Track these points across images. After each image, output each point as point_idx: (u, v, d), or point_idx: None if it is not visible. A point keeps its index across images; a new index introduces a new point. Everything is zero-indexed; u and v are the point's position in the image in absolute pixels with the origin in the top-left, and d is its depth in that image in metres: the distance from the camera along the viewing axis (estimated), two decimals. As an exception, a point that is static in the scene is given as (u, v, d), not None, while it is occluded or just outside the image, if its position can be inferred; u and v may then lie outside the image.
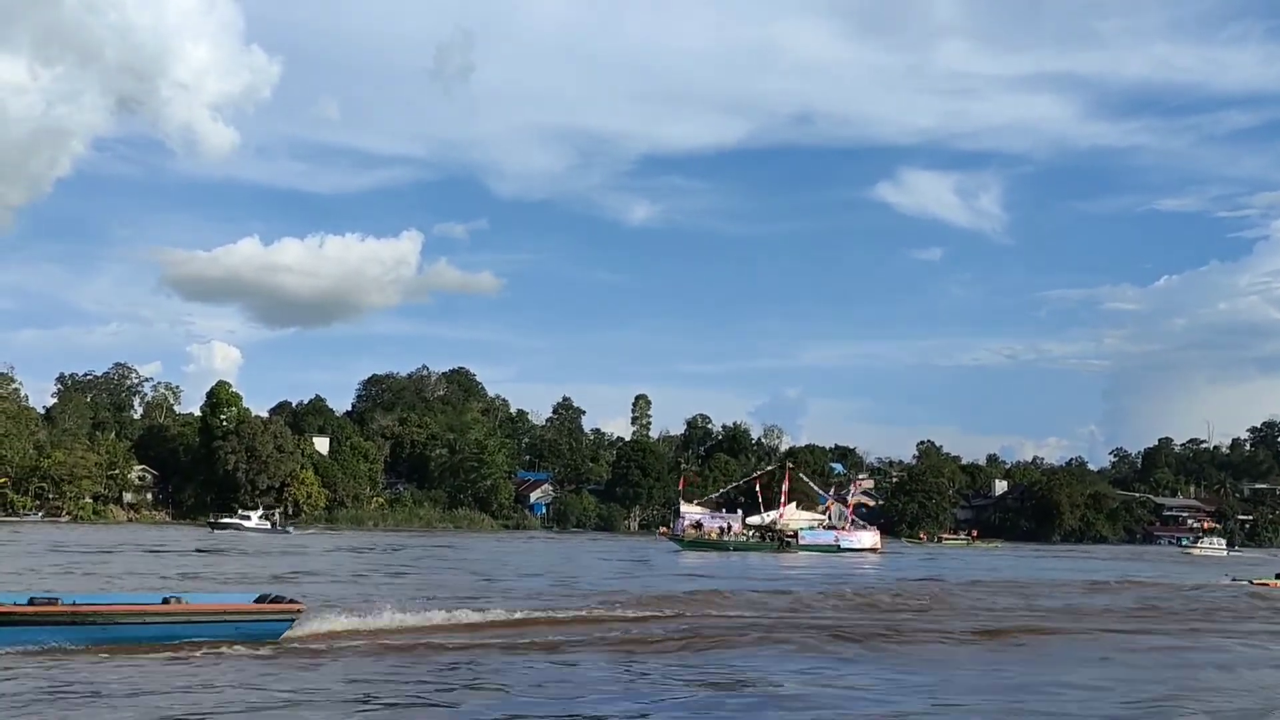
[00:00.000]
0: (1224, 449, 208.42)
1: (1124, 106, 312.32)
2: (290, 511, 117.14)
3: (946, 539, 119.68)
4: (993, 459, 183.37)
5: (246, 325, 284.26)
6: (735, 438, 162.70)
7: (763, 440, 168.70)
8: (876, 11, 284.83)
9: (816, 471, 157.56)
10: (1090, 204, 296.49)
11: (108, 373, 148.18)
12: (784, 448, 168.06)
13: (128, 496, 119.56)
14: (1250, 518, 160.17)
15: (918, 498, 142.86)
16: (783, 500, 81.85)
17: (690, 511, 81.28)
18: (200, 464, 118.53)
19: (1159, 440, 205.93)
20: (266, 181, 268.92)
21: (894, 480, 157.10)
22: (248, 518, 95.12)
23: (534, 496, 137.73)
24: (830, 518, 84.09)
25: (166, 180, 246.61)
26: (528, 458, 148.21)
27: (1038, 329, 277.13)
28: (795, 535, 76.51)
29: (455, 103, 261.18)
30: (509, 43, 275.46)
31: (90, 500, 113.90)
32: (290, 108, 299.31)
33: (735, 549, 71.84)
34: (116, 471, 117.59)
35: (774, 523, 78.70)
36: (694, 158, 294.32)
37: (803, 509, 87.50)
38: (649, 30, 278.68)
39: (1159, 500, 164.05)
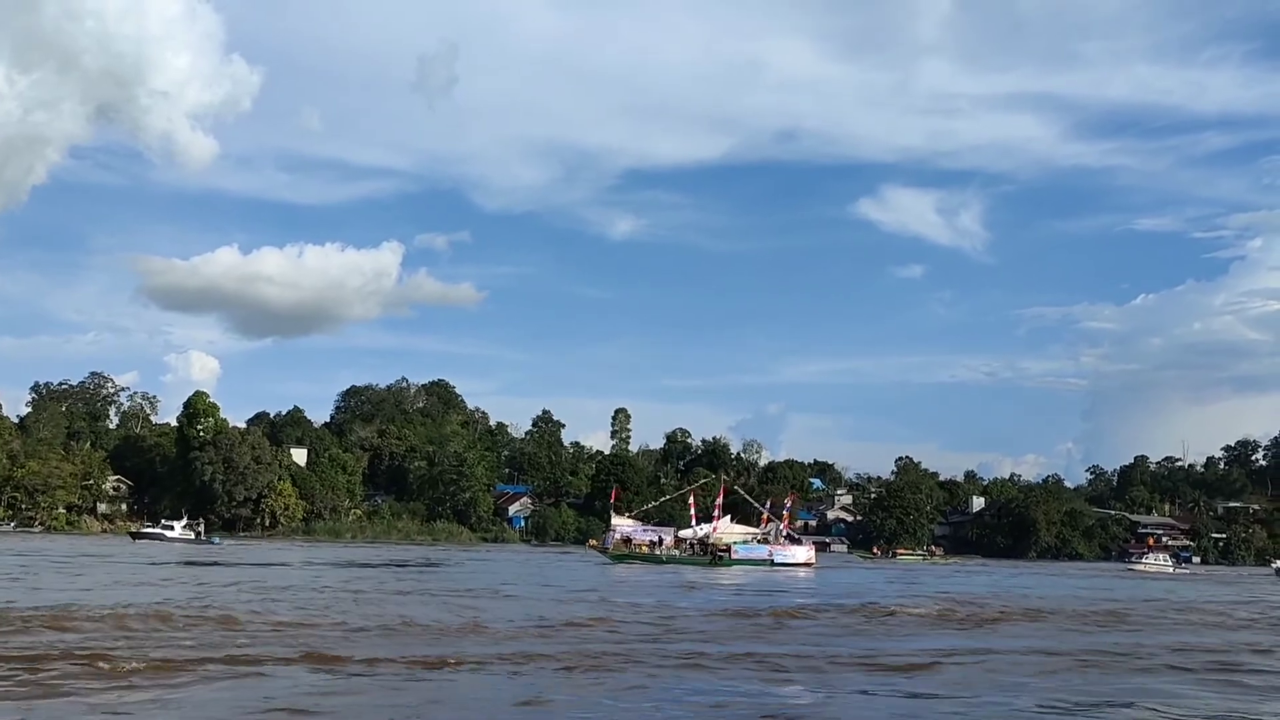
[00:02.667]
0: (1199, 468, 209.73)
1: (1104, 127, 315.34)
2: (267, 523, 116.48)
3: (901, 554, 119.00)
4: (971, 476, 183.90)
5: (225, 335, 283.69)
6: (715, 452, 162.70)
7: (742, 455, 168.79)
8: (861, 31, 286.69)
9: (795, 486, 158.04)
10: (1070, 223, 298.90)
11: (84, 382, 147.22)
12: (763, 463, 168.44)
13: (102, 507, 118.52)
14: (1224, 536, 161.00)
15: (896, 514, 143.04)
16: (716, 514, 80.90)
17: (621, 524, 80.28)
18: (176, 475, 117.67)
19: (1135, 458, 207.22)
20: (247, 191, 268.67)
21: (872, 496, 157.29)
22: (170, 528, 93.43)
23: (513, 509, 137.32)
24: (773, 534, 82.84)
25: (145, 189, 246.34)
26: (507, 470, 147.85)
27: (1016, 347, 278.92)
28: (728, 549, 75.54)
29: (439, 115, 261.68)
30: (494, 56, 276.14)
31: (64, 511, 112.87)
32: (271, 118, 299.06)
33: (667, 562, 71.08)
34: (91, 482, 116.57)
35: (707, 536, 77.64)
36: (678, 173, 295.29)
37: (736, 522, 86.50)
38: (635, 45, 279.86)
39: (1134, 518, 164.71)
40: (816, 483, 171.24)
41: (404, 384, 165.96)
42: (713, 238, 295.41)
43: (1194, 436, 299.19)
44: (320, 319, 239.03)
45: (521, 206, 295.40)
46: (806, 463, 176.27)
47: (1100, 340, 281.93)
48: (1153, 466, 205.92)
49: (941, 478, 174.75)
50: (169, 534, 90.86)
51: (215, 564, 52.41)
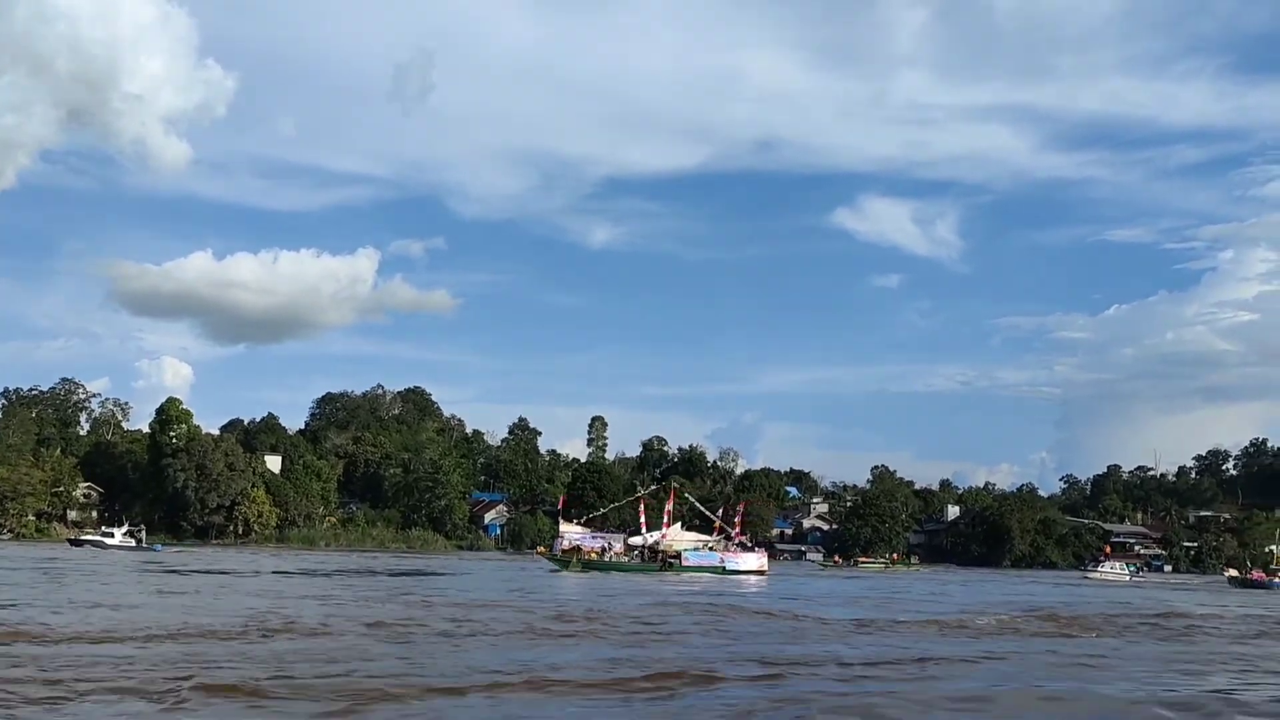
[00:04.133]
0: (1170, 477, 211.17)
1: (1078, 139, 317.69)
2: (241, 530, 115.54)
3: (863, 562, 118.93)
4: (946, 484, 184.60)
5: (198, 341, 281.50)
6: (691, 460, 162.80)
7: (718, 463, 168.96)
8: (838, 42, 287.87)
9: (772, 495, 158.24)
10: (1044, 234, 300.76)
11: (54, 388, 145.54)
12: (740, 471, 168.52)
13: (72, 514, 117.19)
14: (1195, 544, 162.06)
15: (871, 522, 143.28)
16: (666, 521, 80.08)
17: (569, 531, 79.55)
18: (149, 482, 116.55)
19: (1108, 467, 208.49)
20: (221, 197, 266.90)
21: (848, 505, 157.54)
22: (110, 534, 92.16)
23: (489, 517, 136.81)
24: (729, 541, 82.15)
25: (118, 194, 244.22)
26: (483, 478, 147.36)
27: (991, 356, 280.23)
28: (678, 556, 75.15)
29: (415, 122, 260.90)
30: (471, 64, 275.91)
31: (33, 518, 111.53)
32: (246, 123, 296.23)
33: (615, 569, 70.55)
34: (61, 489, 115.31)
35: (657, 543, 77.16)
36: (656, 181, 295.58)
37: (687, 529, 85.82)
38: (613, 54, 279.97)
39: (1107, 526, 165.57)
40: (792, 491, 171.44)
41: (379, 391, 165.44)
42: (690, 246, 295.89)
43: (1166, 446, 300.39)
44: (295, 325, 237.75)
45: (498, 214, 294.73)
46: (783, 471, 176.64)
47: (1074, 350, 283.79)
48: (1125, 475, 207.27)
49: (917, 486, 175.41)
50: (108, 541, 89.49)
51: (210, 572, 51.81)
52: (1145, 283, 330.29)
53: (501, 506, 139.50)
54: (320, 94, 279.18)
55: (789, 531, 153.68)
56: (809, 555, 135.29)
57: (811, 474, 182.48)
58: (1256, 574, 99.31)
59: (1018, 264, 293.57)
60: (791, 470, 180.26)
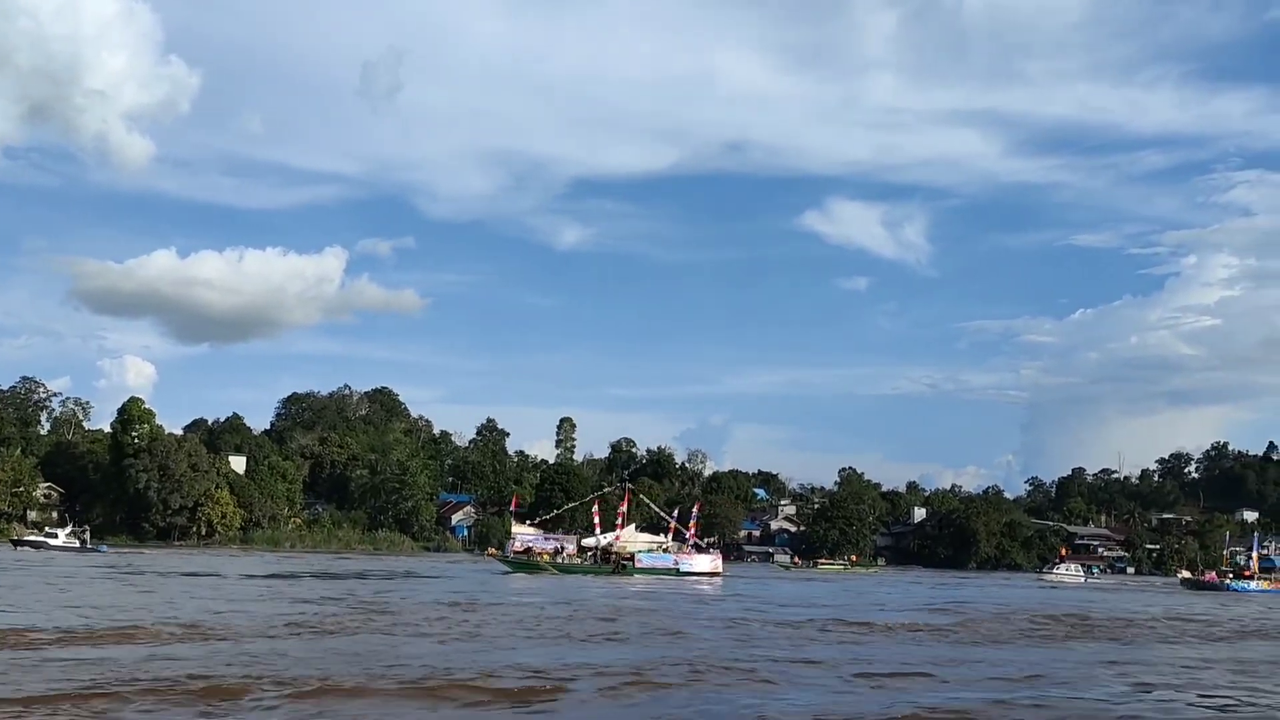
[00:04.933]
0: (1134, 480, 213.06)
1: (1045, 144, 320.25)
2: (204, 532, 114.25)
3: (822, 563, 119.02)
4: (913, 486, 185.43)
5: (161, 340, 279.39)
6: (660, 462, 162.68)
7: (687, 465, 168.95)
8: (809, 46, 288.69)
9: (740, 497, 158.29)
10: (1011, 238, 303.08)
11: (14, 387, 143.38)
12: (708, 472, 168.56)
13: (32, 515, 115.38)
14: (1157, 547, 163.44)
15: (839, 524, 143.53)
16: (620, 522, 79.50)
17: (522, 532, 78.81)
18: (110, 482, 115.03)
19: (1072, 470, 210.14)
20: (185, 194, 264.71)
21: (816, 507, 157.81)
22: (54, 535, 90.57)
23: (456, 518, 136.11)
24: (685, 542, 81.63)
25: (79, 191, 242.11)
26: (450, 479, 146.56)
27: (958, 359, 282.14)
28: (632, 558, 74.31)
29: (384, 121, 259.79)
30: (441, 63, 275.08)
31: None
32: (211, 120, 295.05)
33: (568, 571, 69.82)
34: (21, 489, 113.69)
35: (610, 545, 76.23)
36: (626, 183, 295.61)
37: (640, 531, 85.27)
38: (585, 55, 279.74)
39: (1071, 529, 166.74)
40: (760, 493, 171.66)
41: (346, 391, 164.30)
42: (660, 248, 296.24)
43: (1129, 449, 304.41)
44: (260, 324, 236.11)
45: (468, 214, 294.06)
46: (751, 473, 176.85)
47: (1040, 354, 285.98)
48: (1089, 478, 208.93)
49: (884, 488, 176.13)
50: (51, 542, 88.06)
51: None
52: (1110, 287, 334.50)
53: (469, 508, 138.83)
54: (287, 91, 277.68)
55: (757, 533, 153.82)
56: (776, 557, 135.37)
57: (779, 476, 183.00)
58: (1210, 576, 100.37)
59: (985, 268, 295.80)
60: (760, 472, 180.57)
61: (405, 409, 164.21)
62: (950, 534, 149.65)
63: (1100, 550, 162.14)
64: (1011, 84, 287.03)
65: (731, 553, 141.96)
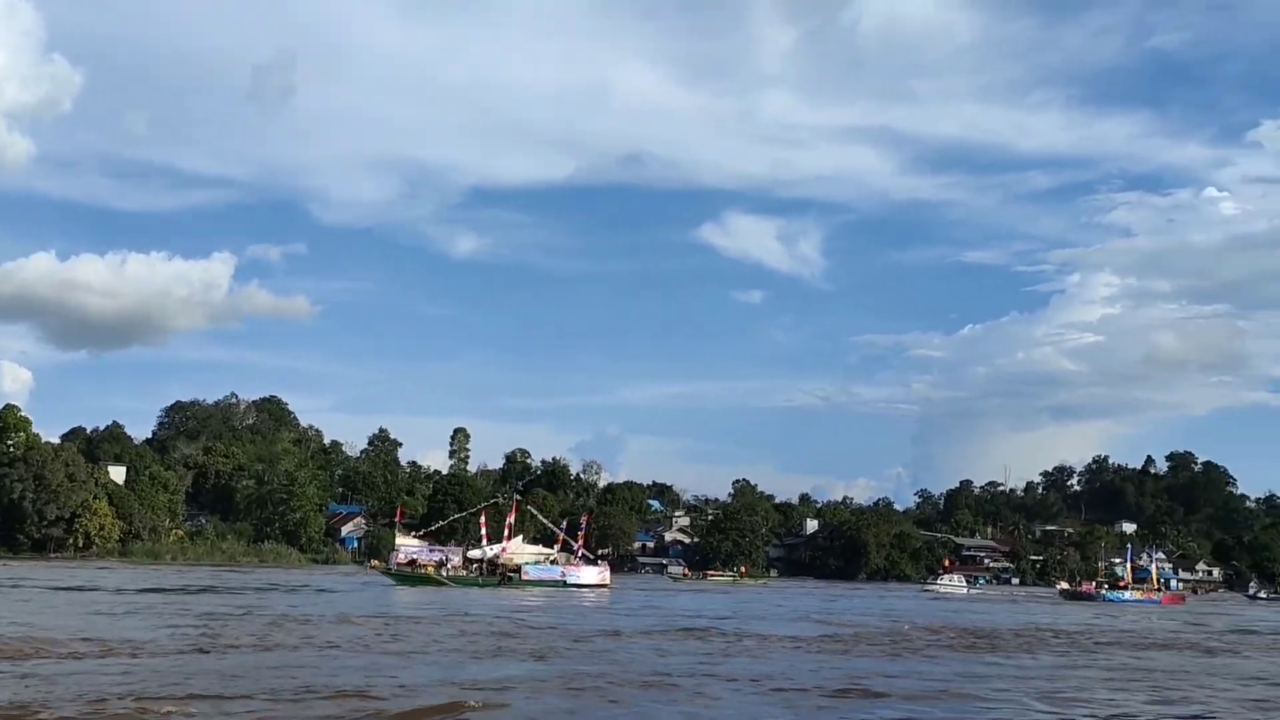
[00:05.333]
0: (1019, 492, 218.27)
1: (937, 162, 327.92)
2: (81, 544, 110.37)
3: (711, 575, 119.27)
4: (805, 498, 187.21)
5: (39, 345, 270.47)
6: (554, 473, 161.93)
7: (581, 476, 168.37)
8: (707, 59, 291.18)
9: (634, 508, 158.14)
10: (903, 254, 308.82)
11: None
12: (603, 484, 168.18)
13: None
14: (1041, 558, 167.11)
15: (732, 535, 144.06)
16: (507, 534, 78.56)
17: (406, 544, 77.65)
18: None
19: (960, 483, 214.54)
20: (66, 195, 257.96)
21: (710, 518, 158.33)
22: None
23: (345, 530, 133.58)
24: (574, 554, 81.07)
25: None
26: (340, 490, 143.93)
27: (851, 373, 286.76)
28: (519, 570, 73.48)
29: (276, 124, 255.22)
30: (336, 67, 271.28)
31: None
32: (95, 120, 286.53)
33: (452, 584, 68.43)
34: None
35: (496, 557, 74.75)
36: (523, 193, 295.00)
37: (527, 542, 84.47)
38: (482, 63, 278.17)
39: (959, 540, 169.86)
40: (655, 504, 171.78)
41: (233, 400, 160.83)
42: (557, 258, 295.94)
43: (1015, 462, 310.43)
44: (143, 330, 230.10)
45: (361, 221, 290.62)
46: (645, 484, 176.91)
47: (929, 368, 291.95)
48: (977, 490, 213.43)
49: (777, 500, 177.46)
50: None
51: None
52: (998, 304, 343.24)
53: (359, 519, 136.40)
54: (175, 92, 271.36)
55: (651, 545, 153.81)
56: (670, 569, 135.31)
57: (674, 487, 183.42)
58: (1086, 587, 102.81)
59: (878, 282, 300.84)
60: (654, 483, 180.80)
61: (294, 418, 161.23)
62: (841, 545, 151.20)
63: (987, 561, 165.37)
64: (905, 103, 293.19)
65: (625, 564, 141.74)
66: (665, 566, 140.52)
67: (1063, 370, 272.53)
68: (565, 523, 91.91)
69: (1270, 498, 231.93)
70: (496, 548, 75.82)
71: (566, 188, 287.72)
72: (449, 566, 72.41)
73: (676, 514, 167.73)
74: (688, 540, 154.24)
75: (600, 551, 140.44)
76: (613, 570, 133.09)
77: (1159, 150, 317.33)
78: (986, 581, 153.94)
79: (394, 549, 77.46)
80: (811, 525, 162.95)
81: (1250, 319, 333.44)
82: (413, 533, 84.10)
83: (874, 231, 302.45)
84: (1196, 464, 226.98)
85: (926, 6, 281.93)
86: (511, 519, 79.34)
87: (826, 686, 20.71)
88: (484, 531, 78.86)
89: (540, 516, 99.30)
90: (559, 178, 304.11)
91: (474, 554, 76.45)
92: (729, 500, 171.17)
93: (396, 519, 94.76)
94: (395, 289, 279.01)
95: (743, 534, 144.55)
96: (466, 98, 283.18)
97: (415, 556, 73.43)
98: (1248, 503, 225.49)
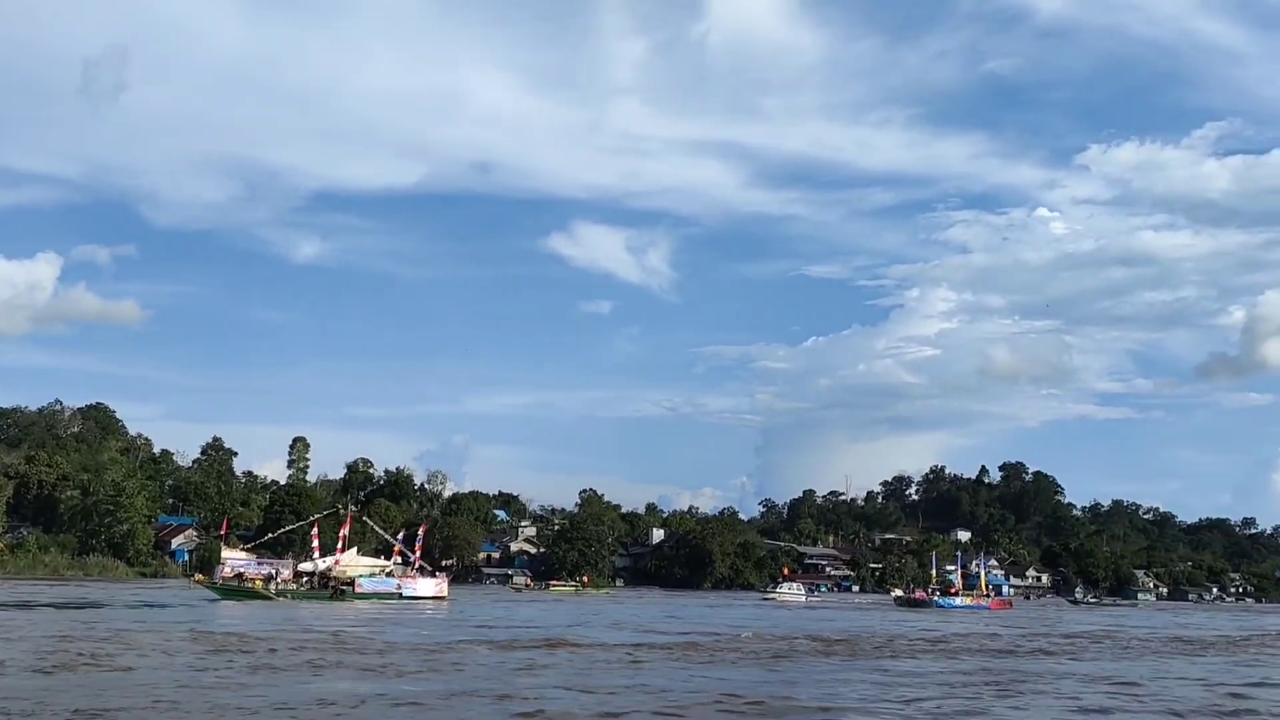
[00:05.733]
0: (859, 501, 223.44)
1: (782, 178, 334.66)
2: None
3: (554, 585, 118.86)
4: (651, 508, 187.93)
5: None
6: (398, 483, 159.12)
7: (426, 486, 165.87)
8: (557, 68, 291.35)
9: (480, 518, 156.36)
10: (749, 266, 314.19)
11: None
12: (448, 494, 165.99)
13: None
14: (880, 566, 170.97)
15: (578, 545, 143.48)
16: (340, 546, 76.66)
17: (232, 557, 75.28)
18: None
19: (803, 492, 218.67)
20: None
21: (556, 528, 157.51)
22: None
23: (176, 542, 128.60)
24: (410, 566, 79.67)
25: None
26: (171, 501, 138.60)
27: (697, 383, 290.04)
28: (352, 583, 71.38)
29: (106, 122, 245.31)
30: (170, 64, 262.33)
31: None
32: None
33: (281, 598, 66.40)
34: None
35: (329, 570, 72.58)
36: (369, 198, 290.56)
37: (363, 554, 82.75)
38: (326, 65, 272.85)
39: (801, 549, 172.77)
40: (501, 514, 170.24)
41: (57, 406, 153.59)
42: (403, 265, 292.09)
43: (856, 472, 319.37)
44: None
45: (196, 223, 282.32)
46: (492, 494, 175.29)
47: (774, 379, 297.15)
48: (819, 500, 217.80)
49: (624, 510, 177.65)
50: None
51: None
52: (840, 317, 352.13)
53: (191, 531, 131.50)
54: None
55: (497, 555, 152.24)
56: (515, 579, 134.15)
57: (520, 497, 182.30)
58: (919, 594, 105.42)
59: (724, 294, 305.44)
60: (500, 493, 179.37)
61: (122, 426, 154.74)
62: (687, 554, 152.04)
63: (828, 569, 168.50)
64: (752, 118, 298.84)
65: (470, 576, 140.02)
66: (510, 577, 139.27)
67: (902, 382, 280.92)
68: (402, 533, 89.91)
69: (1095, 506, 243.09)
70: (329, 560, 73.59)
71: (415, 194, 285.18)
72: (278, 580, 69.97)
73: (523, 524, 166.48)
74: (534, 550, 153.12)
75: (445, 562, 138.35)
76: (457, 582, 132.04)
77: (994, 171, 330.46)
78: (828, 589, 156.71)
79: (219, 562, 74.54)
80: (658, 535, 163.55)
81: (1077, 334, 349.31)
82: (244, 545, 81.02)
83: (721, 244, 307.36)
84: (1027, 474, 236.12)
85: (774, 24, 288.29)
86: (345, 530, 76.57)
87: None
88: (315, 544, 76.31)
89: (375, 527, 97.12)
90: (407, 184, 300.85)
91: (305, 567, 74.15)
92: (576, 510, 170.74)
93: (222, 531, 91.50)
94: (232, 294, 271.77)
95: (589, 544, 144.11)
96: (310, 100, 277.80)
97: (242, 570, 70.72)
98: (1074, 511, 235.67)
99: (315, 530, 77.58)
